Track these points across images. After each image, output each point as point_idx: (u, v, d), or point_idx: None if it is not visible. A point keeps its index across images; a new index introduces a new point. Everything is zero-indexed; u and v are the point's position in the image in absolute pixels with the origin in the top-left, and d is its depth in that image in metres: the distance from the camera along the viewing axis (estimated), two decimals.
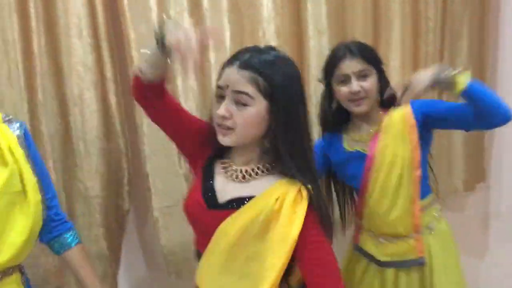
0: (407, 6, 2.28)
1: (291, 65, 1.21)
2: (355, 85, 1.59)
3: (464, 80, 1.44)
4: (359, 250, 1.77)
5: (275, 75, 1.15)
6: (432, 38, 2.35)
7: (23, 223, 1.23)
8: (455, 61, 2.46)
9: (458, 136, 2.41)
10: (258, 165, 1.22)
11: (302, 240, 1.13)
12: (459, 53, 2.44)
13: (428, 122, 1.60)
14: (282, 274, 1.14)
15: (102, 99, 1.77)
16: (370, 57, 1.63)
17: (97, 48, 1.75)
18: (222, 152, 1.28)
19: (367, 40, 2.20)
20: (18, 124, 1.31)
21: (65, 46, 1.72)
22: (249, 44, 1.96)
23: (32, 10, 1.66)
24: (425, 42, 2.34)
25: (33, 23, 1.67)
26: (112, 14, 1.80)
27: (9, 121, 1.30)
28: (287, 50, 2.06)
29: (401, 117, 1.59)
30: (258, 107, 1.15)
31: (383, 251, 1.67)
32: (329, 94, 1.69)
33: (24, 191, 1.24)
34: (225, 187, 1.23)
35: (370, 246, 1.71)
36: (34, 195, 1.24)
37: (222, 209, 1.19)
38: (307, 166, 1.19)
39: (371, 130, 1.67)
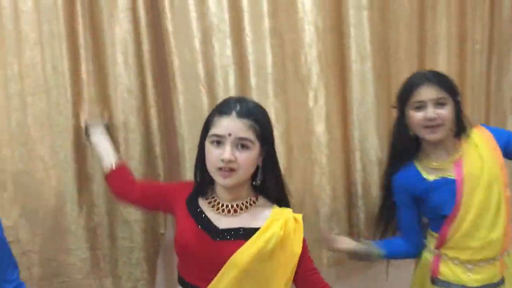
0: (453, 27, 2.23)
1: (264, 109, 1.40)
2: (430, 111, 1.59)
3: None
4: (442, 283, 1.67)
5: (264, 120, 1.35)
6: (478, 59, 2.30)
7: None
8: (501, 81, 2.39)
9: None
10: (246, 200, 1.38)
11: (301, 267, 1.34)
12: (505, 73, 2.37)
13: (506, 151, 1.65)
14: None
15: (145, 125, 1.79)
16: (448, 86, 1.63)
17: (141, 75, 1.78)
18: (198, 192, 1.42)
19: (412, 63, 2.18)
20: None
21: (112, 73, 1.75)
22: (291, 69, 1.98)
23: (81, 40, 1.71)
24: (472, 63, 2.28)
25: (82, 51, 1.72)
26: (157, 41, 1.83)
27: None
28: (329, 74, 2.05)
29: (485, 139, 1.64)
30: (256, 149, 1.32)
31: (474, 277, 1.62)
32: (403, 122, 1.67)
33: None
34: (219, 220, 1.35)
35: (459, 275, 1.63)
36: None
37: (229, 239, 1.31)
38: (286, 194, 1.43)
39: (451, 157, 1.65)
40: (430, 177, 1.66)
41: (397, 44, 2.17)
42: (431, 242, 1.72)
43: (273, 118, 1.94)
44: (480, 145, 1.63)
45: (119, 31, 1.73)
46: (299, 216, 1.36)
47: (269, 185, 1.39)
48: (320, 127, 2.05)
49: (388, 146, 1.83)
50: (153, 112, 1.78)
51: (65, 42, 1.68)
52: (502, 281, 1.65)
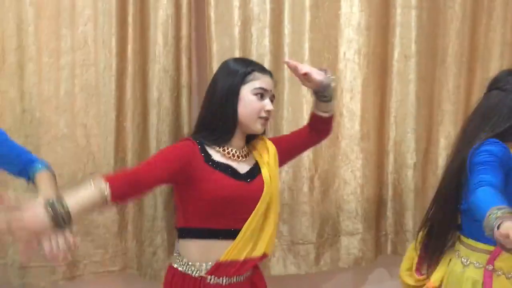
0: (509, 34, 2.12)
1: None
2: None
3: None
4: None
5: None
6: None
7: None
8: None
9: None
10: (246, 146, 1.57)
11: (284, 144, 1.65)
12: None
13: None
14: None
15: (176, 104, 1.91)
16: None
17: (177, 57, 1.90)
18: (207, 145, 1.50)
19: (460, 68, 2.11)
20: None
21: (152, 52, 1.89)
22: (328, 62, 2.00)
23: (130, 19, 1.86)
24: None
25: (130, 30, 1.86)
26: (198, 27, 1.95)
27: None
28: (368, 72, 2.05)
29: None
30: None
31: None
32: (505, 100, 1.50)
33: None
34: (238, 166, 1.50)
35: None
36: None
37: (254, 178, 1.50)
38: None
39: None
40: None
41: (445, 47, 2.12)
42: (480, 257, 1.50)
43: (305, 111, 2.00)
44: None
45: (162, 15, 1.86)
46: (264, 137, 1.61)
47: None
48: (352, 124, 2.06)
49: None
50: (184, 93, 1.89)
51: (115, 20, 1.84)
52: None
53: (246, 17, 1.94)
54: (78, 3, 1.83)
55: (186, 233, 1.50)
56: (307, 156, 2.02)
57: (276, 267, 2.09)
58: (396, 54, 2.07)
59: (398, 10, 2.06)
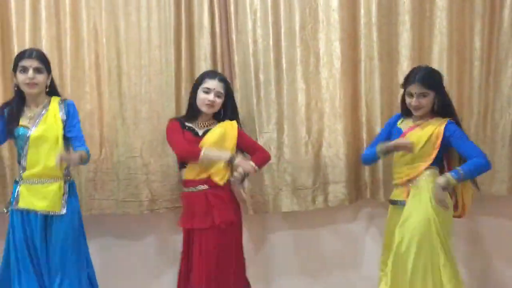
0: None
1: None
2: (414, 100, 2.52)
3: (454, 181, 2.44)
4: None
5: (228, 84, 2.71)
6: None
7: (54, 152, 2.39)
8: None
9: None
10: (212, 121, 2.68)
11: (244, 142, 2.69)
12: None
13: (446, 144, 2.53)
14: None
15: None
16: (430, 83, 2.52)
17: (215, 66, 2.99)
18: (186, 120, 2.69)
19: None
20: (66, 102, 2.52)
21: (197, 66, 2.99)
22: (351, 55, 3.01)
23: (183, 45, 2.96)
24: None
25: (183, 52, 2.97)
26: (228, 46, 3.02)
27: (63, 101, 2.53)
28: (380, 64, 2.99)
29: (436, 124, 2.53)
30: (223, 98, 2.62)
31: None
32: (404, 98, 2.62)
33: (56, 138, 2.43)
34: (199, 130, 2.66)
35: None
36: (60, 140, 2.43)
37: (203, 135, 2.63)
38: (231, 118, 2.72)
39: (417, 122, 2.58)
40: (400, 126, 2.63)
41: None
42: None
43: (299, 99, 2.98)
44: (429, 126, 2.54)
45: (203, 41, 2.99)
46: (234, 122, 2.67)
47: (225, 118, 2.70)
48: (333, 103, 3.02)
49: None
50: None
51: (174, 46, 2.95)
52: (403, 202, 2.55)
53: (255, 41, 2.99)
54: (151, 37, 2.96)
55: (179, 166, 2.70)
56: (302, 126, 3.00)
57: (285, 206, 3.06)
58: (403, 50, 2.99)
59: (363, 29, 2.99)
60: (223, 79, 2.66)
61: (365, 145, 3.00)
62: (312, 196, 3.05)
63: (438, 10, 2.95)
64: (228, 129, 2.65)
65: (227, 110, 2.69)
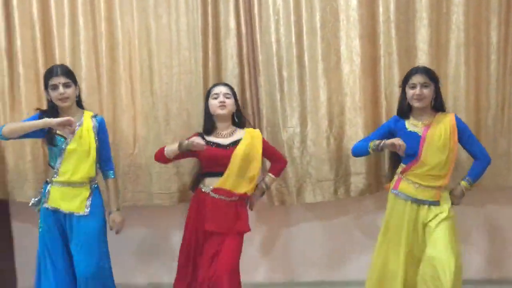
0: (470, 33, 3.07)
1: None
2: (417, 90, 2.64)
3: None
4: (398, 193, 2.77)
5: (233, 89, 2.84)
6: None
7: (87, 164, 2.64)
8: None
9: None
10: (231, 128, 2.80)
11: (266, 151, 2.82)
12: None
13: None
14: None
15: (242, 92, 3.16)
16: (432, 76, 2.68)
17: (241, 64, 3.16)
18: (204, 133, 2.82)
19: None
20: (97, 118, 2.71)
21: (224, 65, 3.18)
22: (370, 49, 3.12)
23: (210, 47, 3.15)
24: None
25: (210, 53, 3.15)
26: (252, 46, 3.19)
27: (94, 116, 2.71)
28: (396, 57, 3.10)
29: (447, 121, 2.66)
30: (232, 99, 2.78)
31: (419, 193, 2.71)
32: (404, 95, 2.74)
33: (89, 151, 2.64)
34: (223, 141, 2.75)
35: (410, 190, 2.71)
36: (93, 153, 2.65)
37: (231, 147, 2.71)
38: (245, 123, 2.88)
39: (425, 122, 2.68)
40: (410, 129, 2.70)
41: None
42: (399, 169, 2.77)
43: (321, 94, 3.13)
44: (442, 123, 2.65)
45: (229, 41, 3.17)
46: (257, 130, 2.86)
47: (239, 120, 2.84)
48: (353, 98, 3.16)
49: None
50: (247, 88, 3.18)
51: (201, 50, 3.14)
52: (438, 202, 2.66)
53: (278, 40, 3.14)
54: (180, 39, 3.16)
55: (203, 175, 2.79)
56: (324, 121, 3.14)
57: (308, 197, 3.21)
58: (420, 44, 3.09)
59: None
60: (226, 84, 2.87)
61: None
62: (334, 187, 3.18)
63: (455, 5, 3.05)
64: (254, 138, 2.79)
65: (236, 113, 2.85)
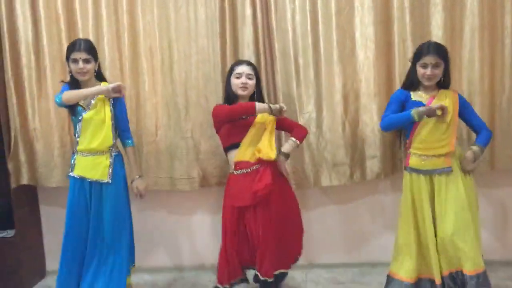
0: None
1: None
2: (429, 70, 2.70)
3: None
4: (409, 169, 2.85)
5: (255, 68, 2.93)
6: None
7: (102, 132, 2.76)
8: None
9: None
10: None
11: (283, 122, 2.92)
12: None
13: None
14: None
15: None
16: (442, 54, 2.72)
17: (257, 52, 3.25)
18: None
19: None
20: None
21: (241, 53, 3.26)
22: (384, 38, 3.18)
23: (227, 35, 3.24)
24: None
25: (228, 44, 3.24)
26: (269, 34, 3.27)
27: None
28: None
29: (451, 96, 2.75)
30: (254, 80, 2.86)
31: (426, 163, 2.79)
32: (414, 70, 2.79)
33: (104, 119, 2.77)
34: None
35: (418, 163, 2.80)
36: (107, 121, 2.76)
37: (249, 118, 2.81)
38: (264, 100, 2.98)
39: (430, 94, 2.78)
40: (414, 98, 2.79)
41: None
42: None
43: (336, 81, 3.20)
44: (447, 98, 2.74)
45: (246, 33, 3.25)
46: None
47: (258, 99, 2.89)
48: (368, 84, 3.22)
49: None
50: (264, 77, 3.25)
51: (219, 39, 3.24)
52: (450, 169, 2.73)
53: (293, 28, 3.22)
54: (198, 28, 3.27)
55: (225, 150, 2.92)
56: (339, 106, 3.22)
57: (324, 181, 3.29)
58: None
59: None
60: (250, 63, 2.92)
61: None
62: (350, 171, 3.26)
63: None
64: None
65: (257, 92, 2.93)
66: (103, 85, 2.78)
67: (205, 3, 3.25)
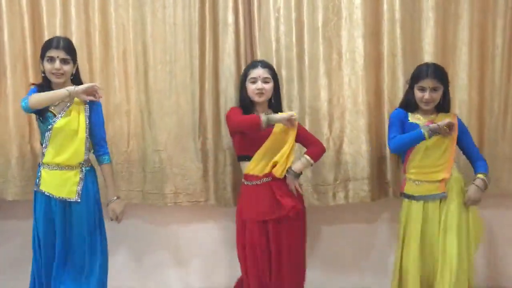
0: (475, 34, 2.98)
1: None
2: (427, 94, 2.56)
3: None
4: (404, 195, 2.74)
5: (272, 68, 2.69)
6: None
7: (73, 145, 2.48)
8: None
9: None
10: (267, 111, 2.69)
11: (300, 135, 2.65)
12: None
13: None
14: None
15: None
16: (441, 78, 2.59)
17: (238, 62, 3.04)
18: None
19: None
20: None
21: (221, 62, 3.06)
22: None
23: (207, 40, 3.03)
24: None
25: (207, 51, 3.03)
26: (251, 43, 3.07)
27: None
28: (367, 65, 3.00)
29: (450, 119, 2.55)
30: (271, 83, 2.65)
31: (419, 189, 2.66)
32: (412, 92, 2.65)
33: (77, 130, 2.49)
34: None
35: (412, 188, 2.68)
36: (81, 134, 2.49)
37: (265, 129, 2.56)
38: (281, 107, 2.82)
39: (428, 118, 2.63)
40: (412, 121, 2.65)
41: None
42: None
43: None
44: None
45: (228, 40, 3.04)
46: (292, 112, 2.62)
47: (276, 103, 2.75)
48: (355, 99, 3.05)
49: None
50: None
51: (197, 43, 3.02)
52: (444, 194, 2.59)
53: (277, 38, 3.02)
54: (176, 33, 3.03)
55: (238, 159, 2.71)
56: (324, 123, 3.03)
57: (305, 201, 3.08)
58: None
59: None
60: (266, 65, 2.70)
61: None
62: (333, 192, 3.08)
63: (462, 6, 2.98)
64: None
65: (275, 97, 2.73)
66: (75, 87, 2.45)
67: (183, 7, 3.02)
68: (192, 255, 3.28)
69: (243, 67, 3.03)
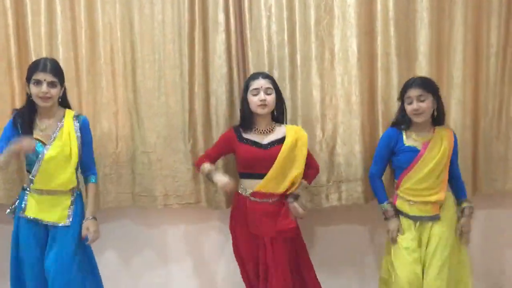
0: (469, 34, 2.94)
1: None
2: (414, 104, 2.53)
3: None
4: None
5: (273, 79, 2.64)
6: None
7: (66, 172, 2.41)
8: None
9: None
10: (271, 124, 2.63)
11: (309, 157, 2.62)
12: None
13: None
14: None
15: (230, 92, 2.97)
16: (428, 87, 2.55)
17: (229, 62, 2.96)
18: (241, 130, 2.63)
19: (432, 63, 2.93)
20: (80, 118, 2.48)
21: (211, 62, 2.97)
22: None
23: (197, 39, 2.94)
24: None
25: (196, 50, 2.95)
26: (242, 43, 3.00)
27: (77, 117, 2.48)
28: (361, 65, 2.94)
29: (448, 137, 2.57)
30: (273, 94, 2.58)
31: (414, 209, 2.63)
32: (403, 107, 2.62)
33: (69, 156, 2.42)
34: (262, 140, 2.58)
35: (405, 207, 2.65)
36: (74, 160, 2.43)
37: (271, 148, 2.50)
38: (286, 119, 2.75)
39: (425, 138, 2.58)
40: (407, 143, 2.60)
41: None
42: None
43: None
44: (444, 140, 2.56)
45: (218, 42, 2.96)
46: (302, 130, 2.65)
47: (279, 115, 2.67)
48: (348, 101, 2.99)
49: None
50: (236, 86, 2.99)
51: (187, 42, 2.93)
52: (438, 216, 2.58)
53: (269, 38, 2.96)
54: (165, 31, 2.95)
55: (240, 175, 2.62)
56: (316, 123, 2.97)
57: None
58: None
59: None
60: (266, 76, 2.64)
61: None
62: (326, 193, 3.02)
63: (457, 5, 2.93)
64: (299, 139, 2.60)
65: (277, 108, 2.66)
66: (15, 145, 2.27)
67: (172, 5, 2.94)
68: (183, 256, 3.21)
69: (234, 67, 2.98)
